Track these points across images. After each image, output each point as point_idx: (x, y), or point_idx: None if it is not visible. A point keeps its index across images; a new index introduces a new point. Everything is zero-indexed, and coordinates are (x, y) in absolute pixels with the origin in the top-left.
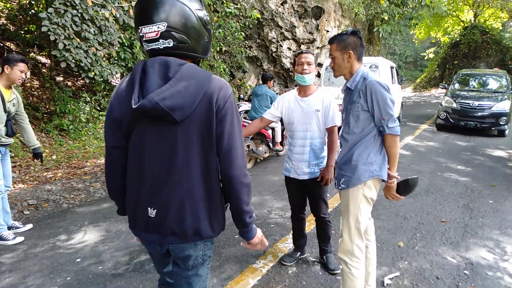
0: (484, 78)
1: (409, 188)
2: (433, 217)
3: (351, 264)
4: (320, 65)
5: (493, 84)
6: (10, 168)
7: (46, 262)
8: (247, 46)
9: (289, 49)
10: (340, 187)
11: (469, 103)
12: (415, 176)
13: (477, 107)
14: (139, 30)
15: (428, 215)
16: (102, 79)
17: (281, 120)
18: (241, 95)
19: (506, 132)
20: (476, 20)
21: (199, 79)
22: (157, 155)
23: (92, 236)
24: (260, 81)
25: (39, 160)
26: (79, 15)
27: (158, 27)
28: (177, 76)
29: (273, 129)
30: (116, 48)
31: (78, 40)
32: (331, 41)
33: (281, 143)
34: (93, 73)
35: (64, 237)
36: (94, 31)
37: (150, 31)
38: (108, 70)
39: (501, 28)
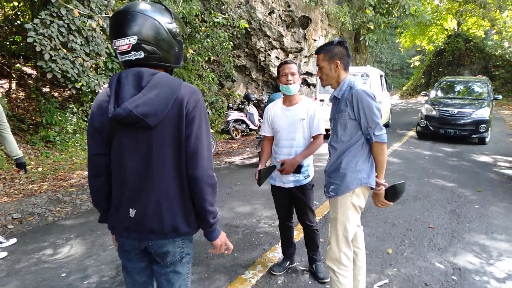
0: (465, 86)
1: (397, 194)
2: (421, 223)
3: (339, 272)
4: (309, 74)
5: (473, 91)
6: None
7: (30, 278)
8: (235, 56)
9: (277, 58)
10: (329, 195)
11: (448, 111)
12: (401, 182)
13: (456, 115)
14: (113, 43)
15: (416, 221)
16: (89, 89)
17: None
18: (230, 104)
19: (487, 139)
20: (460, 28)
21: (170, 86)
22: (135, 159)
23: (78, 249)
24: (266, 90)
25: (23, 170)
26: (66, 25)
27: (130, 40)
28: (149, 85)
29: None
30: (104, 58)
31: (64, 50)
32: (318, 51)
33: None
34: (80, 84)
35: (49, 252)
36: (81, 42)
37: (123, 44)
38: (95, 81)
39: (483, 36)
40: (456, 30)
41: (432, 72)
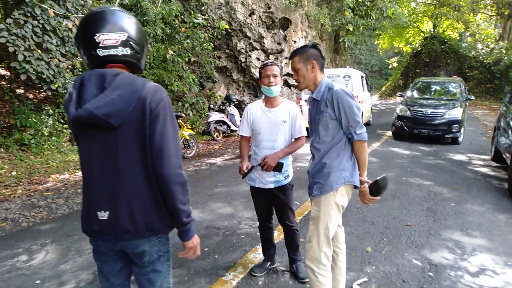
0: (439, 86)
1: (380, 188)
2: (399, 221)
3: (318, 272)
4: (290, 75)
5: (447, 92)
6: None
7: (3, 286)
8: (216, 57)
9: (258, 59)
10: (313, 195)
11: (422, 111)
12: (383, 176)
13: (430, 115)
14: (95, 37)
15: (394, 219)
16: (65, 91)
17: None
18: (211, 105)
19: (460, 139)
20: (435, 30)
21: (133, 86)
22: (103, 160)
23: (54, 255)
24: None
25: None
26: (40, 25)
27: (119, 36)
28: (112, 86)
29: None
30: (80, 59)
31: (39, 51)
32: (293, 54)
33: None
34: (56, 85)
35: (23, 258)
36: (56, 42)
37: (110, 38)
38: (72, 82)
39: (458, 38)
40: (432, 32)
41: (409, 73)
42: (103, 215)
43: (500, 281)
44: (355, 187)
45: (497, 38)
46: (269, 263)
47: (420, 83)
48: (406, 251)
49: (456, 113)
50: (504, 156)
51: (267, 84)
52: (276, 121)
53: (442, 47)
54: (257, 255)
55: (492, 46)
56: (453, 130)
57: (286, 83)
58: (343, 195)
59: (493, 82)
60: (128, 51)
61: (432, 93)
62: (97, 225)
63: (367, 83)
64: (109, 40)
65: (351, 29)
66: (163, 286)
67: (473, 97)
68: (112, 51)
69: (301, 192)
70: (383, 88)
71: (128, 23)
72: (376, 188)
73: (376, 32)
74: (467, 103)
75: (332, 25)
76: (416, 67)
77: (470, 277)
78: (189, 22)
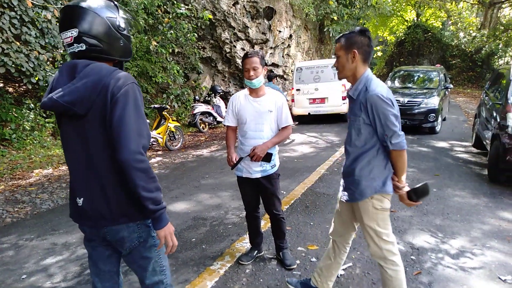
0: (418, 75)
1: (419, 195)
2: None
3: (387, 266)
4: (275, 65)
5: (426, 80)
6: None
7: None
8: (200, 47)
9: (243, 49)
10: (343, 199)
11: (399, 100)
12: (424, 183)
13: (406, 104)
14: (61, 35)
15: None
16: (46, 84)
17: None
18: (197, 97)
19: (437, 128)
20: (419, 19)
21: (99, 74)
22: (75, 148)
23: (39, 250)
24: (266, 80)
25: None
26: (18, 17)
27: (72, 33)
28: (80, 75)
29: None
30: (61, 51)
31: (18, 43)
32: (338, 39)
33: None
34: (36, 78)
35: (9, 253)
36: (35, 34)
37: (66, 36)
38: (52, 75)
39: (441, 27)
40: (415, 21)
41: (393, 62)
42: (79, 201)
43: (478, 262)
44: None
45: (479, 27)
46: (256, 252)
47: (400, 72)
48: None
49: (432, 102)
50: (484, 143)
51: (247, 77)
52: (262, 110)
53: (425, 35)
54: (244, 244)
55: (474, 34)
56: (429, 120)
57: (270, 73)
58: (382, 200)
59: (474, 70)
60: (83, 47)
61: (411, 82)
62: (77, 212)
63: None
64: (66, 38)
65: (335, 18)
66: (156, 270)
67: (451, 86)
68: (70, 49)
69: (287, 182)
70: None
71: (82, 17)
72: (416, 195)
73: (361, 22)
74: (446, 92)
75: (316, 14)
76: (400, 56)
77: (450, 259)
78: (172, 12)
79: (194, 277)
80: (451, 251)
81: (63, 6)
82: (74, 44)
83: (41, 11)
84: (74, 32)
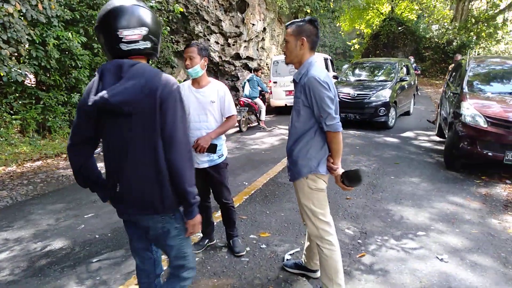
0: (374, 67)
1: (350, 179)
2: (339, 195)
3: (323, 246)
4: (250, 58)
5: (382, 72)
6: None
7: None
8: (174, 41)
9: (217, 43)
10: (288, 179)
11: (349, 94)
12: (356, 168)
13: (356, 98)
14: (117, 32)
15: (335, 194)
16: (11, 80)
17: (263, 100)
18: None
19: (390, 123)
20: (393, 12)
21: (145, 77)
22: (118, 143)
23: None
24: (250, 73)
25: None
26: None
27: (141, 31)
28: (127, 75)
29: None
30: (26, 46)
31: None
32: (288, 25)
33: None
34: (2, 74)
35: None
36: None
37: (133, 33)
38: (17, 70)
39: (415, 19)
40: (390, 14)
41: (369, 54)
42: (118, 187)
43: (420, 243)
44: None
45: (451, 19)
46: (207, 241)
47: (356, 64)
48: (340, 222)
49: (383, 94)
50: (444, 132)
51: (185, 66)
52: (204, 101)
53: (399, 28)
54: (196, 234)
55: (446, 27)
56: (379, 113)
57: (246, 67)
58: (316, 180)
59: (446, 62)
60: (148, 45)
61: (367, 75)
62: (115, 196)
63: (332, 65)
64: (132, 36)
65: (309, 11)
66: (178, 256)
67: (407, 78)
68: (134, 46)
69: (251, 173)
70: None
71: (147, 18)
72: (347, 179)
73: (335, 14)
74: (406, 85)
75: (290, 7)
76: (376, 48)
77: (394, 241)
78: None
79: None
80: (396, 234)
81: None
82: (140, 42)
83: (2, 5)
84: (144, 31)
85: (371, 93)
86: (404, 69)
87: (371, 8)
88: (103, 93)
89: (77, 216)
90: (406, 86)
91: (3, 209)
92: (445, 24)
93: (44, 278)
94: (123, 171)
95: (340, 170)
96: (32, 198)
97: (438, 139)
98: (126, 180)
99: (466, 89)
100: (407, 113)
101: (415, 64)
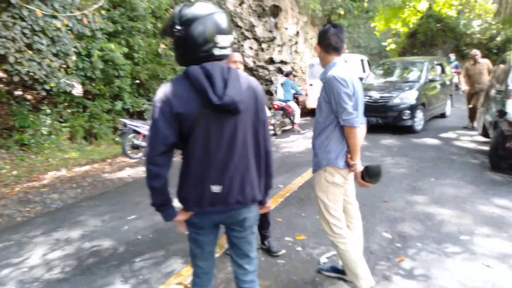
0: (402, 67)
1: (370, 175)
2: (376, 198)
3: (336, 241)
4: (283, 62)
5: (409, 72)
6: None
7: None
8: None
9: (251, 48)
10: (311, 171)
11: (371, 96)
12: (375, 164)
13: (378, 100)
14: (215, 37)
15: (372, 196)
16: (60, 90)
17: (297, 103)
18: None
19: (417, 127)
20: (431, 9)
21: (246, 79)
22: (221, 141)
23: (43, 245)
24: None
25: None
26: (29, 27)
27: (231, 38)
28: (232, 77)
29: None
30: (73, 58)
31: (30, 52)
32: None
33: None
34: (52, 85)
35: (14, 249)
36: (46, 42)
37: (226, 39)
38: (66, 81)
39: (456, 15)
40: (428, 11)
41: (406, 54)
42: (217, 188)
43: (463, 247)
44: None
45: (495, 14)
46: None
47: (383, 65)
48: (378, 225)
49: (408, 96)
50: (489, 132)
51: None
52: None
53: (438, 25)
54: None
55: (489, 22)
56: (403, 117)
57: (280, 71)
58: (333, 174)
59: (490, 58)
60: (229, 51)
61: (392, 76)
62: (209, 198)
63: (369, 66)
64: (225, 42)
65: (342, 12)
66: (254, 244)
67: (438, 78)
68: (224, 51)
69: (286, 176)
70: None
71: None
72: (367, 174)
73: (370, 14)
74: (438, 85)
75: (322, 9)
76: (413, 47)
77: (435, 244)
78: None
79: (181, 268)
80: (437, 237)
81: (73, 14)
82: (228, 48)
83: (51, 20)
84: (232, 38)
85: (394, 95)
86: (437, 68)
87: (407, 6)
88: (229, 93)
89: (121, 218)
90: (439, 87)
91: (54, 211)
92: (488, 19)
93: (91, 276)
94: (227, 169)
95: (360, 167)
96: (80, 201)
97: (482, 139)
98: (230, 178)
99: (511, 86)
100: (442, 116)
101: (456, 62)
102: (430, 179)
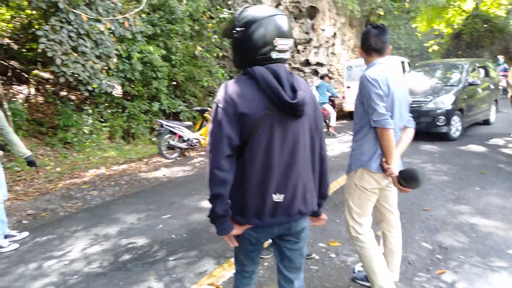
0: (440, 70)
1: (407, 179)
2: (416, 206)
3: (357, 245)
4: (319, 64)
5: (448, 76)
6: (3, 179)
7: (34, 266)
8: None
9: None
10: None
11: None
12: (410, 168)
13: (411, 104)
14: (274, 40)
15: (411, 204)
16: (102, 91)
17: (333, 106)
18: None
19: (454, 134)
20: (478, 9)
21: (304, 83)
22: (284, 144)
23: (83, 240)
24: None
25: (34, 167)
26: (75, 30)
27: (290, 42)
28: (295, 80)
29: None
30: (114, 60)
31: (75, 54)
32: None
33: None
34: (94, 86)
35: (56, 243)
36: (90, 45)
37: (285, 43)
38: (107, 82)
39: (505, 15)
40: (474, 10)
41: (449, 55)
42: (279, 197)
43: (510, 261)
44: (373, 171)
45: None
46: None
47: (420, 68)
48: (417, 235)
49: (443, 101)
50: None
51: None
52: None
53: (485, 26)
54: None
55: None
56: (437, 123)
57: (316, 73)
58: (363, 178)
59: None
60: (288, 55)
61: (430, 78)
62: (270, 209)
63: (410, 67)
64: (284, 45)
65: (382, 13)
66: (304, 257)
67: (478, 82)
68: (282, 55)
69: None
70: None
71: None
72: (403, 179)
73: (411, 15)
74: (483, 89)
75: (361, 10)
76: (457, 49)
77: (479, 258)
78: (216, 17)
79: (213, 268)
80: (482, 250)
81: (115, 18)
82: (287, 52)
83: (95, 24)
84: (291, 43)
85: (428, 99)
86: (479, 71)
87: (451, 6)
88: (300, 93)
89: (156, 216)
90: (481, 91)
91: (94, 207)
92: None
93: (127, 272)
94: (289, 176)
95: (396, 171)
96: (118, 199)
97: None
98: (293, 186)
99: None
100: (485, 122)
101: (505, 65)
102: (475, 188)
